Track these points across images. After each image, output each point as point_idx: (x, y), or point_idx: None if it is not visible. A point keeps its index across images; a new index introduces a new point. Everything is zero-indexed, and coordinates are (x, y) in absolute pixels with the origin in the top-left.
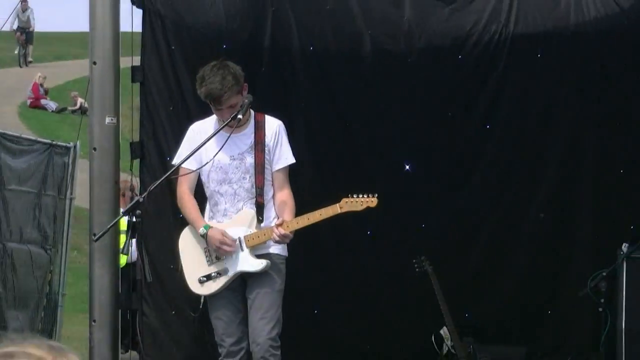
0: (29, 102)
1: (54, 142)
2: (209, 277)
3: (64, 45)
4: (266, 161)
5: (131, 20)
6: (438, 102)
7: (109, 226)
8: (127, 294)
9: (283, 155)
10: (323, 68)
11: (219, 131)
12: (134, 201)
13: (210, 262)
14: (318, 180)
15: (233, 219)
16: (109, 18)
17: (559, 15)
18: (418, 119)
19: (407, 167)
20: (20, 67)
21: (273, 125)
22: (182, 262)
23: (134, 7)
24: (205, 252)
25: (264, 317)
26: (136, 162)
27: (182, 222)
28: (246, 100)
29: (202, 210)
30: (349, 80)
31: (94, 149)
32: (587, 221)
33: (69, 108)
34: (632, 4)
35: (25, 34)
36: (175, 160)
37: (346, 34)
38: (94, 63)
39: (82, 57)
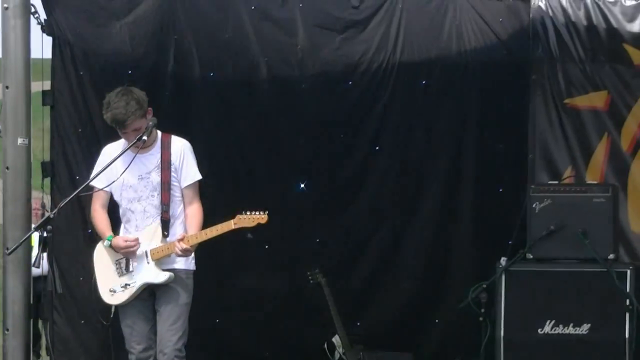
0: None
1: None
2: (118, 288)
3: None
4: (173, 179)
5: (41, 47)
6: (330, 125)
7: (21, 241)
8: (37, 305)
9: (190, 173)
10: (222, 92)
11: (124, 152)
12: (44, 217)
13: (120, 273)
14: (220, 198)
15: (140, 234)
16: (20, 45)
17: (441, 45)
18: (311, 141)
19: (302, 185)
20: None
21: (178, 145)
22: (95, 274)
23: (44, 34)
24: (116, 264)
25: (170, 328)
26: (47, 180)
27: (92, 237)
28: (150, 123)
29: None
30: (246, 104)
31: (7, 168)
32: (468, 236)
33: None
34: (510, 34)
35: None
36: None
37: (243, 61)
38: (7, 87)
39: None
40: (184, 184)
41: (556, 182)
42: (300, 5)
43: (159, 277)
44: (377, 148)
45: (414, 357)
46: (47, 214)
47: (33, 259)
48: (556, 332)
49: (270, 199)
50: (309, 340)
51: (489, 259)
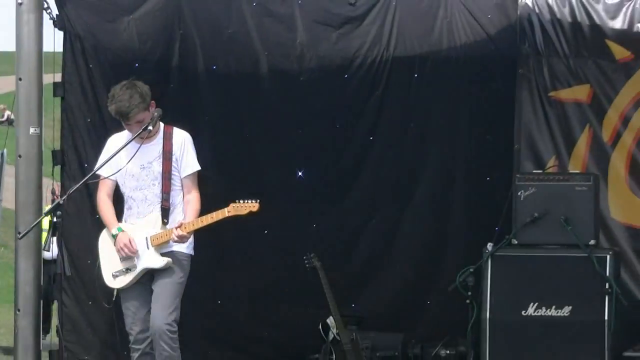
0: None
1: None
2: (120, 272)
3: None
4: (173, 169)
5: (53, 41)
6: (327, 116)
7: (32, 225)
8: (48, 286)
9: (189, 164)
10: (225, 85)
11: (129, 142)
12: (54, 203)
13: (122, 259)
14: (221, 186)
15: (142, 221)
16: (33, 39)
17: (433, 41)
18: (309, 131)
19: (300, 173)
20: None
21: (180, 137)
22: (99, 259)
23: (56, 29)
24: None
25: (164, 303)
26: (57, 168)
27: (99, 222)
28: (156, 114)
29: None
30: (247, 96)
31: (20, 156)
32: (459, 223)
33: None
34: (498, 30)
35: None
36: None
37: (245, 55)
38: (20, 79)
39: (9, 74)
40: (184, 174)
41: (540, 171)
42: (300, 2)
43: (159, 262)
44: (372, 138)
45: (404, 337)
46: (57, 200)
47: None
48: (539, 313)
49: (270, 186)
50: (305, 321)
51: (479, 245)
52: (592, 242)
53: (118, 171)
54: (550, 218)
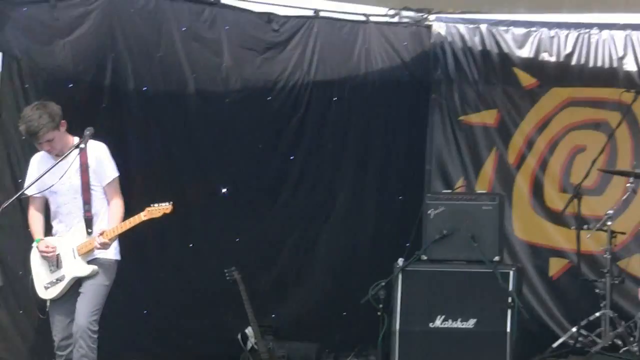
0: None
1: None
2: (51, 284)
3: None
4: (92, 179)
5: None
6: (250, 136)
7: None
8: None
9: (107, 173)
10: (154, 105)
11: (57, 164)
12: None
13: (52, 270)
14: (149, 200)
15: (69, 233)
16: None
17: (351, 66)
18: (233, 150)
19: (224, 190)
20: None
21: (94, 148)
22: (32, 271)
23: None
24: (49, 262)
25: (87, 304)
26: None
27: (31, 236)
28: (87, 132)
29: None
30: (175, 116)
31: None
32: (372, 238)
33: None
34: (413, 57)
35: None
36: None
37: (174, 77)
38: None
39: None
40: (104, 182)
41: (449, 191)
42: (226, 27)
43: (85, 270)
44: (292, 158)
45: (318, 347)
46: None
47: None
48: (446, 325)
49: (196, 202)
50: (226, 331)
51: (391, 260)
52: (496, 258)
53: (42, 191)
54: (458, 235)
